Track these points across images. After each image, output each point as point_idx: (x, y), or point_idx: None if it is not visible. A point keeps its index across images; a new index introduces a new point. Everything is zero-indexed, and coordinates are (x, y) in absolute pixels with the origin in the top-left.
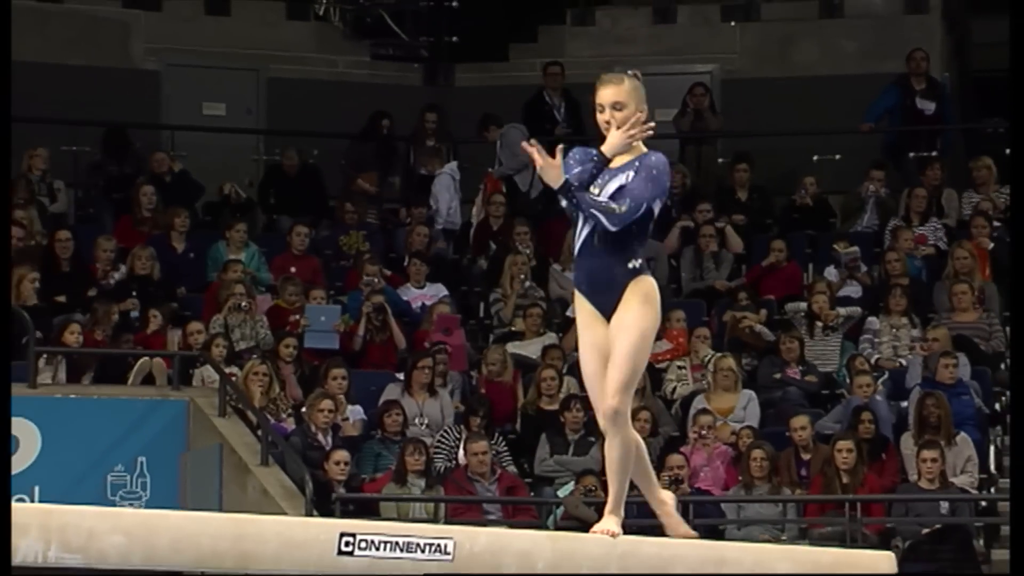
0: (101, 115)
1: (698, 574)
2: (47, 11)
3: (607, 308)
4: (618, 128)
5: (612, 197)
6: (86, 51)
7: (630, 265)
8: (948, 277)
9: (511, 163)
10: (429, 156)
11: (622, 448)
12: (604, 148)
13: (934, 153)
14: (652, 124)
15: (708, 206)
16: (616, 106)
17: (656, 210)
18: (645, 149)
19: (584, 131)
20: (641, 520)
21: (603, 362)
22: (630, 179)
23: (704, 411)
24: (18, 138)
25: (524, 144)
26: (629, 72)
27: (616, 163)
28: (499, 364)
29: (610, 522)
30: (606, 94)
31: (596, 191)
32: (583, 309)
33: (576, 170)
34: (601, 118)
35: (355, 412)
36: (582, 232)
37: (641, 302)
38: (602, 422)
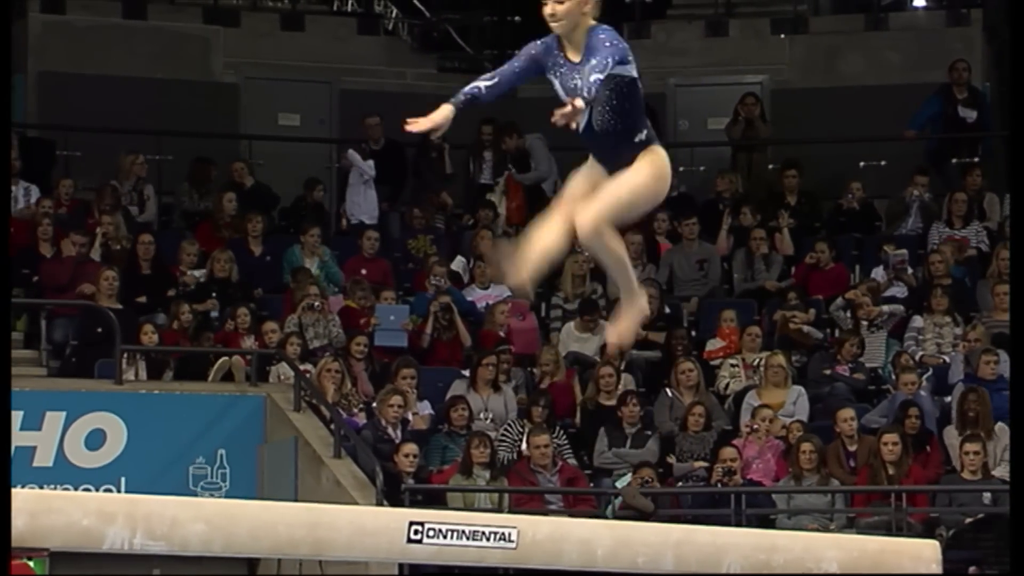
0: (183, 126)
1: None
2: (133, 28)
3: (614, 168)
4: (560, 20)
5: (593, 82)
6: (169, 65)
7: (636, 139)
8: (992, 276)
9: (539, 171)
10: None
11: (611, 256)
12: None
13: (975, 159)
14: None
15: (759, 210)
16: None
17: (634, 73)
18: (592, 22)
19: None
20: (695, 510)
21: (589, 187)
22: (599, 61)
23: (758, 406)
24: (105, 148)
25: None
26: None
27: (575, 56)
28: (551, 365)
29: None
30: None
31: (563, 85)
32: (589, 161)
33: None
34: (545, 11)
35: (423, 407)
36: (583, 120)
37: (648, 163)
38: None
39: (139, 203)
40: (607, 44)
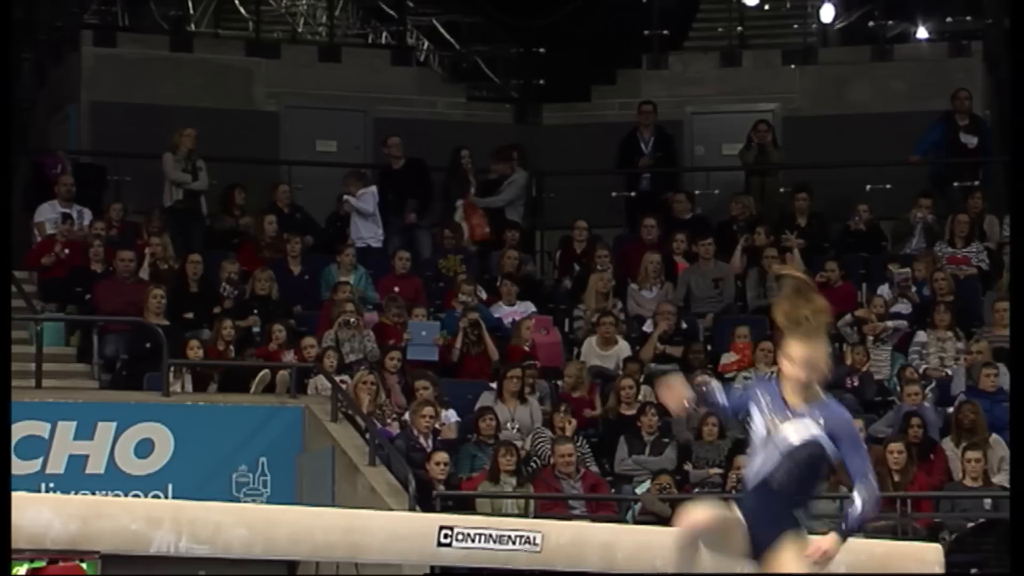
0: (227, 152)
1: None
2: (179, 60)
3: (761, 541)
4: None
5: (802, 441)
6: (213, 95)
7: (796, 513)
8: (999, 289)
9: (499, 199)
10: (354, 179)
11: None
12: None
13: (976, 183)
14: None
15: (771, 231)
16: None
17: (828, 450)
18: (823, 397)
19: (671, 163)
20: None
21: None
22: (817, 429)
23: None
24: (153, 174)
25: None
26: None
27: (795, 402)
28: (574, 378)
29: None
30: (793, 352)
31: (768, 424)
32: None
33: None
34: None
35: (449, 415)
36: (764, 468)
37: (794, 560)
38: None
39: (192, 171)
40: (854, 440)
